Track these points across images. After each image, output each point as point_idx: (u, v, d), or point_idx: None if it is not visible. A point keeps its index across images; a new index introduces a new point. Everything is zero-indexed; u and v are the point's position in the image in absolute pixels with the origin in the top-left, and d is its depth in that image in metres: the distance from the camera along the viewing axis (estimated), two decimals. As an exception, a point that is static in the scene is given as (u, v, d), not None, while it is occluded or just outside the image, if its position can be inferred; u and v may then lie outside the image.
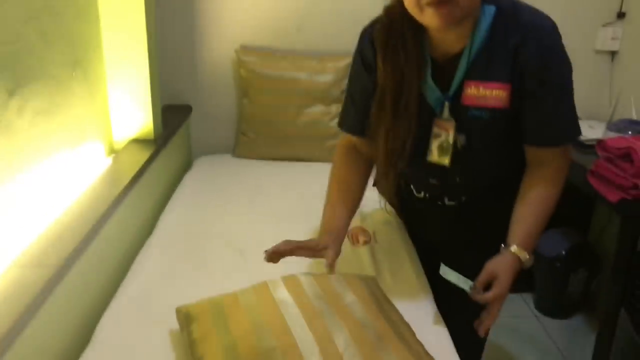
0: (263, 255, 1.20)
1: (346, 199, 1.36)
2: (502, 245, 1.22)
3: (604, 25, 2.41)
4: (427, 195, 1.44)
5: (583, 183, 1.86)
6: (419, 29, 1.17)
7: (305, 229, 1.73)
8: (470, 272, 1.22)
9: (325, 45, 2.35)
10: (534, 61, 1.13)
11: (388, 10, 1.20)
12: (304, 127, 2.29)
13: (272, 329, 1.00)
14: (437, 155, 1.26)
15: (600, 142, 1.80)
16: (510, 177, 1.32)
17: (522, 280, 2.48)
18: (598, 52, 2.43)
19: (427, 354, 1.04)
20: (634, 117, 2.17)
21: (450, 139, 1.23)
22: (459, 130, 1.23)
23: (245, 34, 2.36)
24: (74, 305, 1.31)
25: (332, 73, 2.28)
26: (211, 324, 1.08)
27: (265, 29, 2.36)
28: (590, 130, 2.17)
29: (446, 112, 1.22)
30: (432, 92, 1.22)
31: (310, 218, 1.80)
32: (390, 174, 1.30)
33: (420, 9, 1.07)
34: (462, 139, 1.24)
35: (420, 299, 1.39)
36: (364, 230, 1.61)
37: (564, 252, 2.35)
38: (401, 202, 1.59)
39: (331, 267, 1.22)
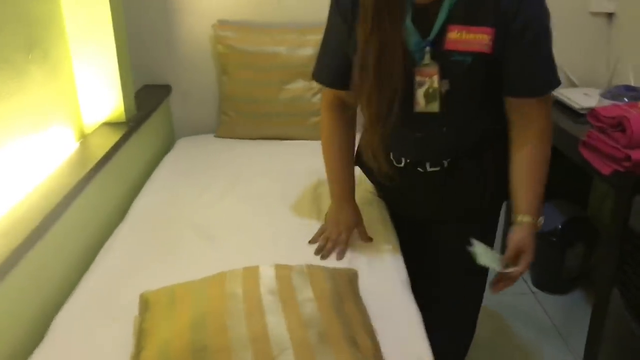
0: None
1: (347, 160, 1.44)
2: (514, 215, 1.24)
3: (599, -15, 2.28)
4: (408, 161, 1.38)
5: (576, 155, 1.76)
6: None
7: (289, 211, 1.66)
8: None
9: (305, 17, 2.24)
10: (516, 6, 1.11)
11: None
12: (285, 104, 2.20)
13: (209, 326, 0.96)
14: (424, 103, 1.22)
15: (592, 111, 1.70)
16: (491, 136, 1.32)
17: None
18: (593, 14, 2.29)
19: (375, 357, 0.97)
20: (632, 83, 2.05)
21: (435, 84, 1.19)
22: (441, 75, 1.19)
23: (222, 8, 2.25)
24: (26, 301, 1.24)
25: (313, 46, 2.18)
26: (161, 316, 1.05)
27: (242, 2, 2.25)
28: (586, 99, 2.06)
29: (427, 58, 1.18)
30: (412, 37, 1.17)
31: (294, 199, 1.73)
32: (376, 138, 1.27)
33: None
34: (445, 84, 1.20)
35: (396, 287, 1.31)
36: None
37: (559, 226, 2.26)
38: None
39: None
